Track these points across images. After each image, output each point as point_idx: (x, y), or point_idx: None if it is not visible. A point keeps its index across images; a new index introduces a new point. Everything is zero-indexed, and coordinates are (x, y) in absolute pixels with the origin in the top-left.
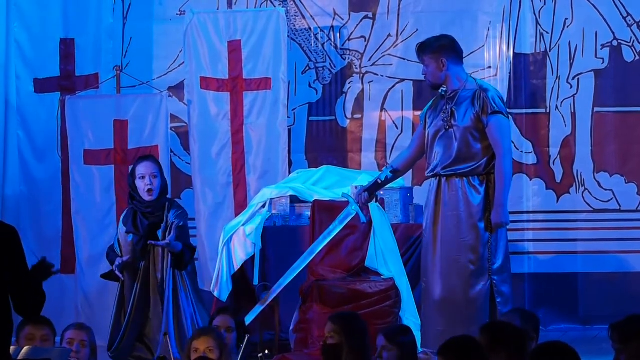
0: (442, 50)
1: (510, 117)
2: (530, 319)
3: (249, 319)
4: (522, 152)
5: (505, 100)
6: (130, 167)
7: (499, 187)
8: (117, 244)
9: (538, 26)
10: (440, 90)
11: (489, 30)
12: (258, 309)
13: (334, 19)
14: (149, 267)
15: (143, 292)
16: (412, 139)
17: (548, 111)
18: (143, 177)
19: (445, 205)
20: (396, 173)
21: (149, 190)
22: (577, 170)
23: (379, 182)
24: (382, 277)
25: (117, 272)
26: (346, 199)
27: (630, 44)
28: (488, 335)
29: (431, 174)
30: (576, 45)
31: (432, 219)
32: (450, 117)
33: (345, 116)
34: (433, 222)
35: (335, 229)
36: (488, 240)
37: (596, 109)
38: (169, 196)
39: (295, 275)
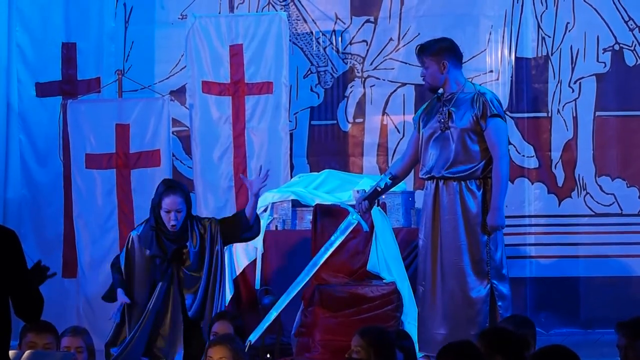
0: (443, 52)
1: (506, 120)
2: (524, 326)
3: (253, 338)
4: (523, 156)
5: (507, 103)
6: (157, 196)
7: (495, 190)
8: (125, 256)
9: (540, 30)
10: (438, 92)
11: (490, 34)
12: (262, 327)
13: (335, 23)
14: (171, 287)
15: (162, 310)
16: (408, 144)
17: (550, 115)
18: (168, 212)
19: (443, 209)
20: (395, 179)
21: (173, 226)
22: (579, 174)
23: (379, 189)
24: (383, 281)
25: (122, 298)
26: (346, 208)
27: (632, 48)
28: (486, 341)
29: (427, 176)
30: (578, 49)
31: (430, 223)
32: (447, 119)
33: (347, 120)
34: (432, 227)
35: (337, 240)
36: (486, 243)
37: (598, 113)
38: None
39: (298, 289)
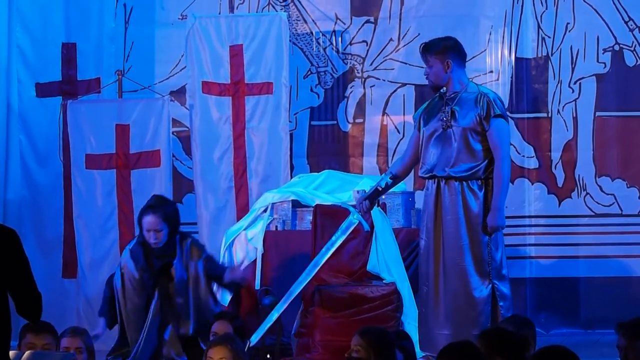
0: (447, 51)
1: (509, 121)
2: (525, 326)
3: (255, 339)
4: (523, 156)
5: (507, 104)
6: (139, 213)
7: (496, 191)
8: (120, 275)
9: (540, 30)
10: (440, 91)
11: (490, 34)
12: (263, 328)
13: (335, 23)
14: (163, 301)
15: (159, 323)
16: (408, 144)
17: (550, 115)
18: (148, 231)
19: (445, 209)
20: (396, 179)
21: (155, 243)
22: (579, 175)
23: (379, 189)
24: (383, 281)
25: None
26: (347, 208)
27: (632, 49)
28: (486, 342)
29: (427, 174)
30: (578, 50)
31: (432, 223)
32: (450, 117)
33: (347, 120)
34: (433, 227)
35: (338, 240)
36: (487, 244)
37: (598, 114)
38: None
39: (300, 289)
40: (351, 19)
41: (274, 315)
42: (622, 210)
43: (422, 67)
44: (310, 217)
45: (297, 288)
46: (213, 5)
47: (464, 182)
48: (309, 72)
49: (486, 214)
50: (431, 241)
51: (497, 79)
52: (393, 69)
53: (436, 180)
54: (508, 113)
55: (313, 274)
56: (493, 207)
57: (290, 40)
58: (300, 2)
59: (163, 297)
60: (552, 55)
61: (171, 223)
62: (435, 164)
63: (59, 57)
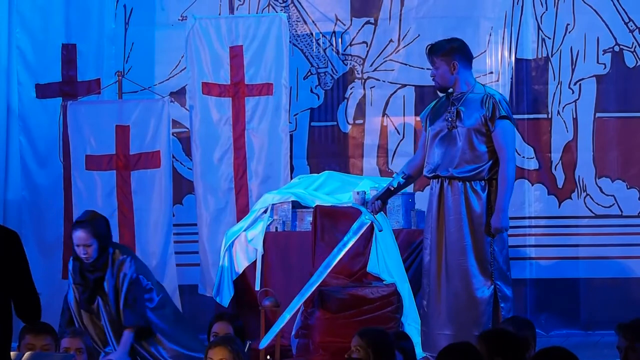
0: (453, 52)
1: (514, 122)
2: (525, 327)
3: (263, 344)
4: (523, 157)
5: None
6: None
7: (501, 192)
8: (72, 291)
9: (540, 31)
10: (448, 91)
11: (490, 35)
12: (272, 333)
13: (335, 24)
14: (101, 314)
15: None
16: (420, 144)
17: (550, 117)
18: (78, 246)
19: (448, 209)
20: (408, 179)
21: (85, 258)
22: (579, 176)
23: (392, 189)
24: (383, 282)
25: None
26: (357, 208)
27: (632, 50)
28: (487, 343)
29: (431, 174)
30: (578, 51)
31: (435, 223)
32: (455, 117)
33: (347, 122)
34: (437, 226)
35: (350, 240)
36: (490, 244)
37: (598, 115)
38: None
39: (311, 291)
40: (351, 20)
41: (286, 317)
42: (622, 212)
43: (422, 68)
44: (310, 218)
45: (309, 289)
46: (213, 6)
47: (467, 183)
48: (309, 73)
49: (489, 215)
50: (434, 241)
51: (497, 80)
52: (393, 70)
53: (440, 180)
54: None
55: (325, 274)
56: (497, 208)
57: (290, 41)
58: (300, 3)
59: (102, 309)
60: (552, 56)
61: (101, 238)
62: (439, 164)
63: (59, 58)
